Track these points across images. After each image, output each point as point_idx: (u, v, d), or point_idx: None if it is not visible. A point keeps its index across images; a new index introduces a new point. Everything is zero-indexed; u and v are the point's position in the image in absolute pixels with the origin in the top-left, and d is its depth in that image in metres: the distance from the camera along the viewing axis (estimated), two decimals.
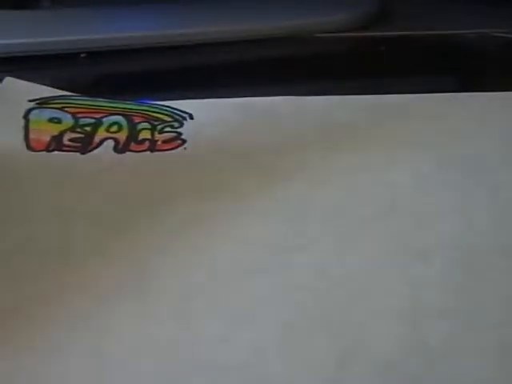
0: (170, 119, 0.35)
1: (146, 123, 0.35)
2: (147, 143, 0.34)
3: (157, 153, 0.33)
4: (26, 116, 0.34)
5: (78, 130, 0.34)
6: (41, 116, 0.35)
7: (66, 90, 0.36)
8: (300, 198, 0.31)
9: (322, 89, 0.37)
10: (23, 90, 0.36)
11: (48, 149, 0.33)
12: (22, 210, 0.30)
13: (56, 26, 0.41)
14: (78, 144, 0.33)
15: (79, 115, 0.35)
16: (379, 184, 0.32)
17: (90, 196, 0.31)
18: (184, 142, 0.34)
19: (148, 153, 0.33)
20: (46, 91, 0.36)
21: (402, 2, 0.44)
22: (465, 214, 0.30)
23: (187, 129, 0.34)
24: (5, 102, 0.35)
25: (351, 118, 0.35)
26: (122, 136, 0.34)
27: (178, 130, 0.34)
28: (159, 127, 0.34)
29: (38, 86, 0.36)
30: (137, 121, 0.35)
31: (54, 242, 0.29)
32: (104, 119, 0.35)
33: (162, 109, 0.35)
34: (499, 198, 0.31)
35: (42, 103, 0.35)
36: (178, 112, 0.35)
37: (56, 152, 0.33)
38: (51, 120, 0.34)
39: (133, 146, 0.33)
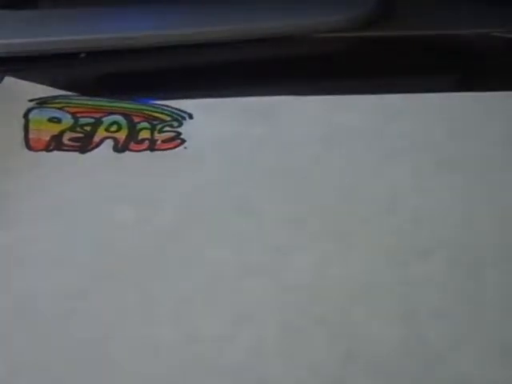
0: (169, 119, 0.35)
1: (146, 123, 0.34)
2: (147, 143, 0.34)
3: (156, 152, 0.33)
4: (25, 115, 0.34)
5: (78, 129, 0.34)
6: (41, 116, 0.35)
7: (66, 90, 0.36)
8: (300, 198, 0.31)
9: (322, 89, 0.37)
10: (23, 90, 0.36)
11: (48, 148, 0.33)
12: (22, 209, 0.30)
13: (56, 26, 0.41)
14: (78, 143, 0.33)
15: (79, 115, 0.35)
16: (379, 184, 0.32)
17: (90, 196, 0.31)
18: (183, 141, 0.34)
19: (148, 152, 0.33)
20: (46, 91, 0.36)
21: (402, 2, 0.43)
22: (465, 214, 0.30)
23: (187, 128, 0.34)
24: (4, 101, 0.35)
25: (351, 118, 0.35)
26: (122, 135, 0.34)
27: (178, 129, 0.34)
28: (159, 127, 0.34)
29: (38, 85, 0.36)
30: (136, 120, 0.35)
31: (53, 242, 0.29)
32: (104, 119, 0.35)
33: (161, 108, 0.35)
34: (499, 198, 0.31)
35: (42, 103, 0.35)
36: (178, 111, 0.35)
37: (56, 152, 0.33)
38: (51, 120, 0.34)
39: (132, 145, 0.33)
